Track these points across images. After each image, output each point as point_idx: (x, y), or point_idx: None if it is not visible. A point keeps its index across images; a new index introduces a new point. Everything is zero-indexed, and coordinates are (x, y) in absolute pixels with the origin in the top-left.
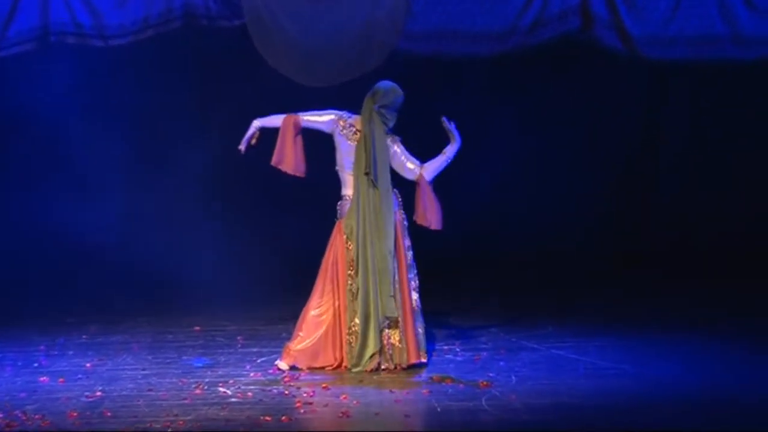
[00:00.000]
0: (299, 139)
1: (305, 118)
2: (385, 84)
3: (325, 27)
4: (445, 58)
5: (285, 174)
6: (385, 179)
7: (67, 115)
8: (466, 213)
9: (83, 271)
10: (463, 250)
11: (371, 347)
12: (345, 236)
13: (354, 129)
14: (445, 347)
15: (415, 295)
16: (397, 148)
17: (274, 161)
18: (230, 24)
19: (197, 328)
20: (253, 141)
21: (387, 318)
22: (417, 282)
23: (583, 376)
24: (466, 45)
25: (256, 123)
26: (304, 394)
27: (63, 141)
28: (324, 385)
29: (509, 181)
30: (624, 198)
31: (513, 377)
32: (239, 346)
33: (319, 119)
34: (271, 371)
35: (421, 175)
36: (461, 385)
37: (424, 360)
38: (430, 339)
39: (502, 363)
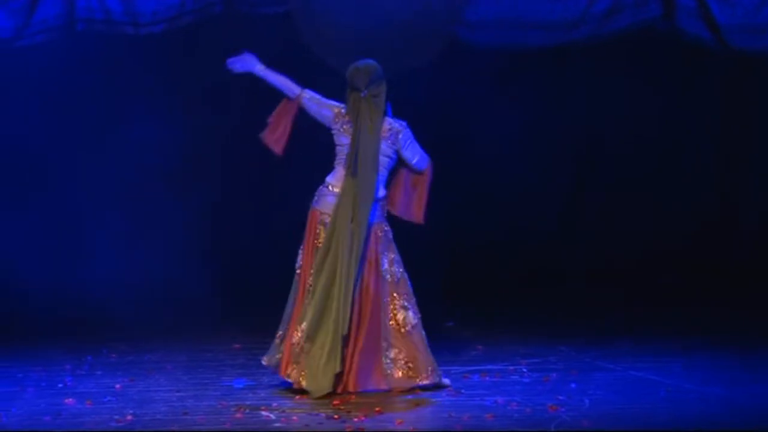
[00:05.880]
0: (294, 119)
1: (308, 96)
2: (357, 65)
3: (375, 14)
4: (507, 50)
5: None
6: (367, 173)
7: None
8: (533, 219)
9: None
10: (526, 262)
11: (336, 365)
12: (319, 228)
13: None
14: (511, 367)
15: (401, 315)
16: (405, 147)
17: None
18: (274, 10)
19: (237, 345)
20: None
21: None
22: (405, 301)
23: (664, 400)
24: (530, 35)
25: (260, 69)
26: (355, 419)
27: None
28: (377, 409)
29: (577, 185)
30: (709, 205)
31: (586, 401)
32: None
33: (320, 109)
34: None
35: (429, 167)
36: (528, 410)
37: (385, 388)
38: (460, 360)
39: (573, 385)
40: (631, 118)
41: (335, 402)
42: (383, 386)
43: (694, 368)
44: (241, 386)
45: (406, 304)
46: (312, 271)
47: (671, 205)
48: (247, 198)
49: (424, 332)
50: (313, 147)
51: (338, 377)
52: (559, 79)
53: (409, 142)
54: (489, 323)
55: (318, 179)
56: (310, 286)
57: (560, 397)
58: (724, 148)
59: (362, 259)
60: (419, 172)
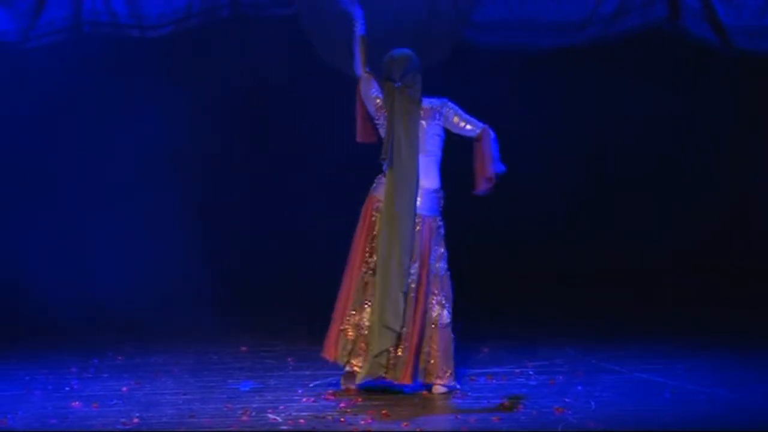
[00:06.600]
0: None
1: (366, 78)
2: (392, 55)
3: (382, 16)
4: (513, 51)
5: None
6: (404, 164)
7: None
8: (536, 219)
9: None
10: (532, 264)
11: (375, 347)
12: (375, 216)
13: None
14: (517, 370)
15: (436, 311)
16: (455, 119)
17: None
18: (280, 12)
19: (244, 348)
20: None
21: (385, 327)
22: (444, 299)
23: (669, 402)
24: (536, 36)
25: (358, 19)
26: (362, 422)
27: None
28: (384, 412)
29: (580, 185)
30: (712, 205)
31: (592, 403)
32: (290, 368)
33: (368, 99)
34: (324, 397)
35: (484, 129)
36: (534, 412)
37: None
38: (467, 362)
39: (579, 387)
40: (634, 119)
41: (342, 405)
42: (423, 380)
43: (698, 369)
44: (247, 389)
45: (444, 302)
46: (366, 258)
47: (674, 206)
48: (247, 198)
49: (453, 335)
50: (313, 148)
51: (396, 366)
52: (564, 79)
53: (453, 112)
54: (491, 323)
55: (319, 179)
56: (365, 272)
57: (566, 400)
58: (727, 149)
59: (417, 252)
60: (476, 139)
